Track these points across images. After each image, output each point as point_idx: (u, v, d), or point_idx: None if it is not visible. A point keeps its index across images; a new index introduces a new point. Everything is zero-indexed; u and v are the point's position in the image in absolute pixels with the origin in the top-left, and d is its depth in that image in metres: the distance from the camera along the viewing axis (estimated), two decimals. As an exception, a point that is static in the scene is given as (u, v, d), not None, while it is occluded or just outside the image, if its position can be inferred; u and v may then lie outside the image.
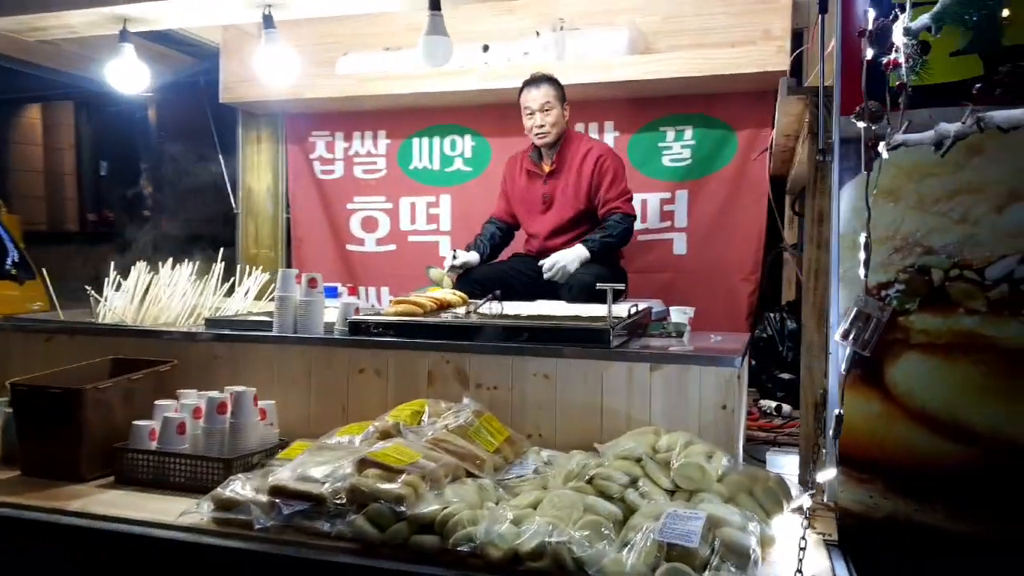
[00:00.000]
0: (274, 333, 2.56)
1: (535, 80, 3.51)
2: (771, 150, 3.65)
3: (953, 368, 1.85)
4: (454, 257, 3.49)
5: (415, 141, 4.58)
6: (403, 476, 1.77)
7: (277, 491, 1.80)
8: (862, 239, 1.53)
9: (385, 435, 2.07)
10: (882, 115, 1.37)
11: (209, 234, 4.79)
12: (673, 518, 1.58)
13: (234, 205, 4.77)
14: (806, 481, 2.05)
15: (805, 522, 1.65)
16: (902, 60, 1.26)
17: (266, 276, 3.28)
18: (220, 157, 4.76)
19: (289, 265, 4.86)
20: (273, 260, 4.84)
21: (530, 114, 3.50)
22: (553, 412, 2.25)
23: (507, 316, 2.54)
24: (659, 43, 4.02)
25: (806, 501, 1.71)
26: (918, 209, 1.86)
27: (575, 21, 4.07)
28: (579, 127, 4.26)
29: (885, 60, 1.31)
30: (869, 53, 1.35)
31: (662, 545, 1.53)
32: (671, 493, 1.83)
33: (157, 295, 3.03)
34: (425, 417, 2.15)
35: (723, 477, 1.85)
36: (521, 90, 3.54)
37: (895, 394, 1.88)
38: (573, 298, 3.11)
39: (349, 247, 4.75)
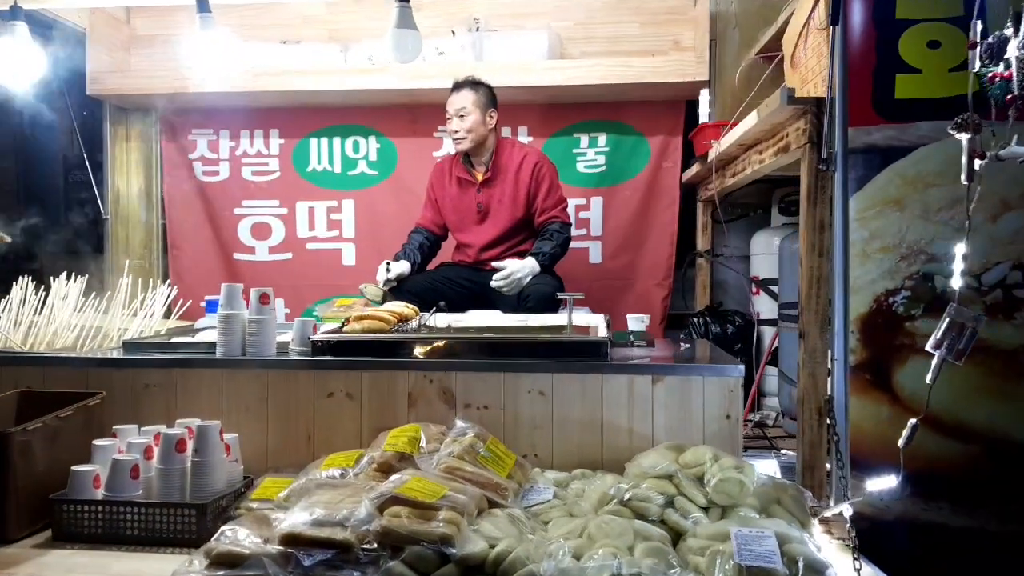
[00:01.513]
0: (219, 356, 2.27)
1: (457, 84, 3.40)
2: (695, 158, 3.72)
3: (955, 370, 1.92)
4: (387, 270, 3.25)
5: (313, 141, 4.28)
6: (440, 513, 1.60)
7: (291, 540, 1.57)
8: (960, 249, 1.55)
9: (386, 466, 1.87)
10: (980, 127, 1.38)
11: (70, 243, 4.27)
12: (744, 539, 1.53)
13: (103, 210, 4.25)
14: (810, 486, 2.07)
15: (852, 531, 1.65)
16: (1014, 74, 1.27)
17: (173, 291, 2.92)
18: (84, 156, 4.23)
19: (165, 276, 4.40)
20: (147, 270, 4.36)
21: (448, 119, 3.37)
22: (550, 430, 2.14)
23: (489, 329, 2.40)
24: (571, 49, 4.01)
25: (846, 509, 1.71)
26: (922, 218, 1.93)
27: (488, 22, 3.97)
28: (497, 130, 4.17)
29: (990, 73, 1.33)
30: (977, 65, 1.36)
31: (742, 568, 1.46)
32: (705, 510, 1.78)
33: (51, 314, 2.62)
34: (423, 443, 1.98)
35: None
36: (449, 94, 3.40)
37: (902, 397, 1.94)
38: (528, 308, 3.01)
39: (237, 256, 4.37)
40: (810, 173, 2.05)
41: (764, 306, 3.71)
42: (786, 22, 3.35)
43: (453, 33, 3.86)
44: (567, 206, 3.44)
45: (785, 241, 3.19)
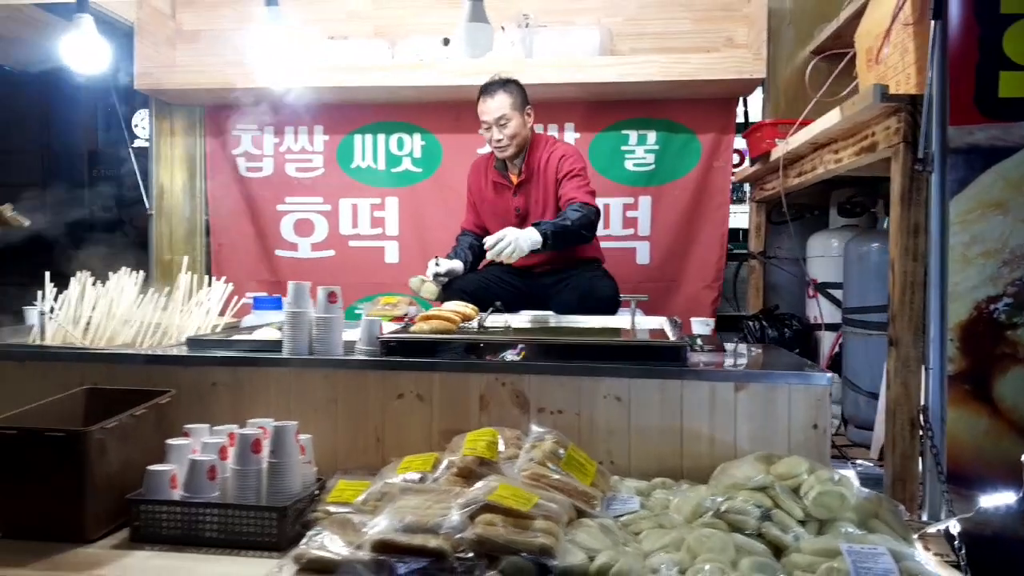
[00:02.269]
0: (286, 355, 2.23)
1: (489, 88, 3.23)
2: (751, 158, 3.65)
3: (1059, 381, 1.86)
4: (436, 264, 3.20)
5: (357, 138, 4.24)
6: (536, 522, 1.54)
7: (384, 547, 1.52)
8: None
9: (467, 471, 1.82)
10: None
11: (118, 238, 4.25)
12: (857, 556, 1.47)
13: (148, 205, 4.23)
14: (901, 499, 2.00)
15: (961, 548, 1.58)
16: None
17: (230, 288, 2.89)
18: (130, 151, 4.20)
19: (208, 272, 4.37)
20: (189, 266, 4.32)
21: (487, 127, 3.24)
22: (627, 437, 2.08)
23: (565, 331, 2.34)
24: (620, 45, 3.95)
25: (954, 525, 1.65)
26: (1026, 222, 1.86)
27: (537, 18, 3.91)
28: (536, 127, 4.10)
29: None
30: None
31: (860, 587, 1.40)
32: (801, 523, 1.72)
33: (110, 310, 2.59)
34: (501, 447, 1.92)
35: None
36: (478, 98, 3.27)
37: (1002, 408, 1.87)
38: (585, 310, 2.94)
39: (279, 252, 4.34)
40: (903, 174, 1.98)
41: (821, 309, 3.63)
42: (851, 18, 3.29)
43: (503, 29, 3.80)
44: (593, 191, 3.22)
45: (851, 243, 3.10)
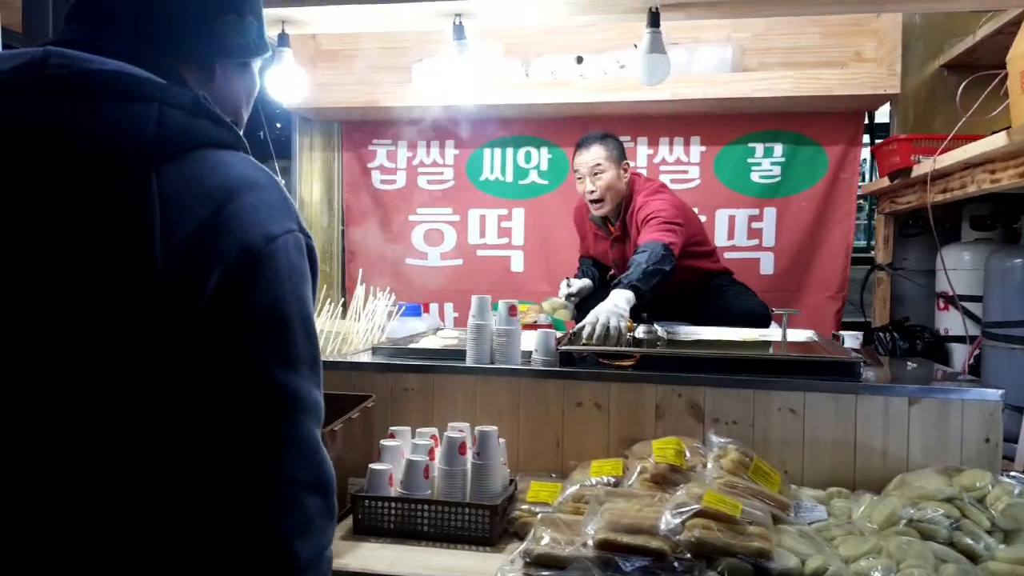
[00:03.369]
0: (471, 364, 2.41)
1: (586, 141, 3.24)
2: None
3: None
4: (568, 285, 3.29)
5: (486, 152, 4.43)
6: (749, 527, 1.67)
7: (608, 545, 1.67)
8: None
9: (659, 477, 1.95)
10: None
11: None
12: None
13: (294, 216, 4.50)
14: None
15: None
16: None
17: (392, 298, 3.09)
18: (275, 165, 4.48)
19: (344, 281, 4.63)
20: (327, 275, 4.60)
21: (580, 178, 3.26)
22: (800, 449, 2.19)
23: (738, 345, 2.46)
24: (748, 60, 4.02)
25: None
26: None
27: (668, 35, 4.00)
28: (663, 141, 4.22)
29: None
30: None
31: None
32: (988, 534, 1.80)
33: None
34: (687, 456, 2.05)
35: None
36: (575, 152, 3.32)
37: None
38: (727, 322, 3.05)
39: (409, 261, 4.56)
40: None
41: (951, 322, 3.65)
42: (990, 36, 3.31)
43: (635, 46, 3.92)
44: (664, 228, 2.98)
45: (993, 258, 3.14)
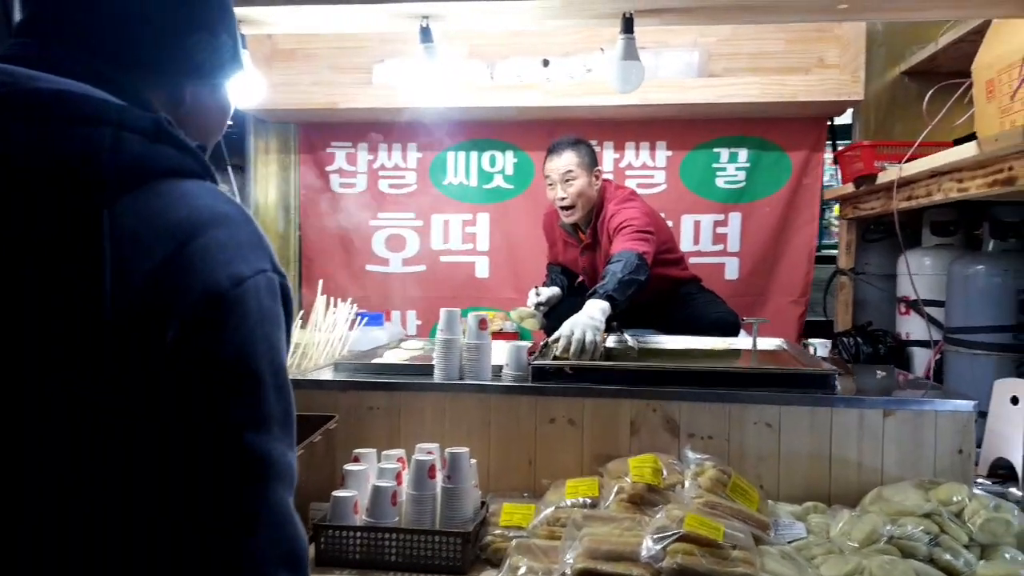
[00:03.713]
0: (439, 380, 2.33)
1: (557, 147, 3.20)
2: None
3: None
4: (537, 294, 3.22)
5: (450, 155, 4.34)
6: (733, 552, 1.63)
7: (587, 574, 1.61)
8: None
9: (637, 498, 1.90)
10: None
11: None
12: (1049, 588, 1.53)
13: (249, 221, 4.36)
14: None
15: None
16: None
17: (353, 308, 2.99)
18: (229, 168, 4.34)
19: (300, 286, 4.51)
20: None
21: (551, 185, 3.22)
22: (776, 463, 2.16)
23: (712, 356, 2.43)
24: (714, 65, 4.00)
25: None
26: None
27: (636, 39, 3.97)
28: (629, 145, 4.18)
29: None
30: None
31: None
32: (966, 549, 1.79)
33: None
34: (664, 474, 2.00)
35: (1012, 530, 1.83)
36: (545, 157, 3.29)
37: None
38: (696, 331, 3.02)
39: (369, 267, 4.45)
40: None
41: (913, 327, 3.68)
42: (952, 44, 3.33)
43: (602, 50, 3.88)
44: (637, 236, 2.93)
45: (956, 264, 3.16)
